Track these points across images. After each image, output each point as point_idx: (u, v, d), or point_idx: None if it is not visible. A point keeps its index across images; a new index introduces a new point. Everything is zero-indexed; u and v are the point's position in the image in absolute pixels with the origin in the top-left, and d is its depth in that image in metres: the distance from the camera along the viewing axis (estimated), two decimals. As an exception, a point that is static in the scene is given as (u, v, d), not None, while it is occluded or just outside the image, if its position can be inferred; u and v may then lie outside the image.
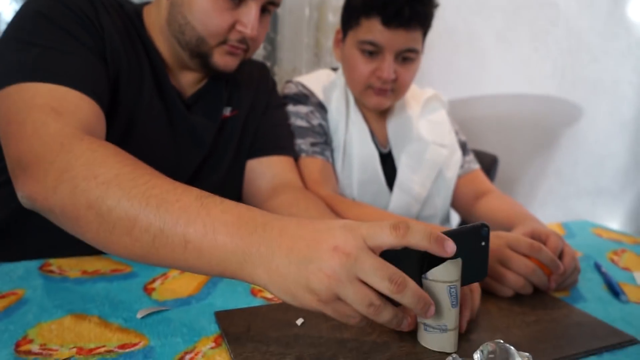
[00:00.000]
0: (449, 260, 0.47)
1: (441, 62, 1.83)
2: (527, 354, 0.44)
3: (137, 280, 0.62)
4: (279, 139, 0.96)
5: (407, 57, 0.97)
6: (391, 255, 0.46)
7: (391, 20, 0.91)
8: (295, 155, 0.97)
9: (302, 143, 0.97)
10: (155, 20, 0.83)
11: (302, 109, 1.01)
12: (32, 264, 0.65)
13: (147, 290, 0.59)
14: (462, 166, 1.12)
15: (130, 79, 0.77)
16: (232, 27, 0.78)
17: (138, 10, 0.84)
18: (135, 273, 0.64)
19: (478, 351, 0.45)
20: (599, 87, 2.15)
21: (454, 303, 0.48)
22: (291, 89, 1.05)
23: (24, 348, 0.46)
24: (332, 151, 1.03)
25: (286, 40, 1.48)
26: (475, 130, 1.96)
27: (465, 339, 0.52)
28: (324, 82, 1.07)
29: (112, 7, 0.78)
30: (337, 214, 0.86)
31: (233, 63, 0.82)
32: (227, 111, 0.91)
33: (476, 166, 1.14)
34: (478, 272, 0.53)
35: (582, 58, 2.07)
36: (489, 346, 0.44)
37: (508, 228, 0.85)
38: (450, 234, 0.48)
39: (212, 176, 0.89)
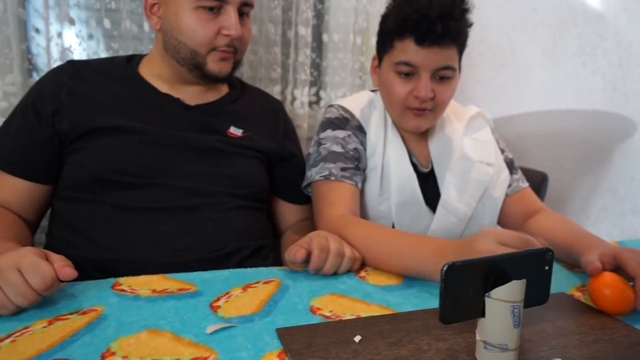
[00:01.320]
0: (513, 281, 0.48)
1: (485, 80, 1.83)
2: (588, 373, 0.45)
3: (202, 298, 0.66)
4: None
5: (444, 75, 0.97)
6: (457, 273, 0.48)
7: (424, 39, 0.92)
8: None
9: (332, 167, 0.98)
10: (153, 55, 1.00)
11: (340, 133, 1.03)
12: (104, 283, 0.70)
13: (213, 307, 0.63)
14: (510, 185, 1.10)
15: (114, 106, 0.93)
16: (217, 34, 0.92)
17: (133, 57, 1.03)
18: (200, 292, 0.68)
19: (537, 370, 0.46)
20: (653, 100, 2.07)
21: (516, 323, 0.49)
22: (332, 113, 1.07)
23: (108, 359, 0.50)
24: (365, 175, 1.04)
25: (331, 66, 1.52)
26: (523, 147, 1.93)
27: (523, 358, 0.53)
28: (363, 104, 1.10)
29: (88, 63, 0.99)
30: (341, 234, 0.84)
31: (226, 67, 0.96)
32: (237, 132, 1.00)
33: (525, 184, 1.12)
34: (540, 295, 0.54)
35: (633, 71, 2.01)
36: (548, 365, 0.45)
37: (566, 248, 0.84)
38: (515, 255, 0.50)
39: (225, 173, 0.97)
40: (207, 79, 0.97)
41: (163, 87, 0.98)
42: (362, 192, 1.03)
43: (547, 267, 0.53)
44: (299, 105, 1.48)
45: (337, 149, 1.01)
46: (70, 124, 0.90)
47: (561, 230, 0.92)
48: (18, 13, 1.17)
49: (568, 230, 0.91)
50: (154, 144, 0.91)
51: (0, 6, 1.14)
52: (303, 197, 1.08)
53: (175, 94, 0.98)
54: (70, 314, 0.60)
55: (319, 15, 1.51)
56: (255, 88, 1.17)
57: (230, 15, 0.91)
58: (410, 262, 0.76)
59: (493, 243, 0.64)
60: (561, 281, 0.79)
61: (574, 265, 0.86)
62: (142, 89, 0.97)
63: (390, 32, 0.98)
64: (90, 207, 0.88)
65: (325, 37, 1.52)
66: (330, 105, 1.11)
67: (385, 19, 1.01)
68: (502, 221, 1.12)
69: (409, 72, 0.96)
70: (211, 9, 0.90)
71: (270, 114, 1.10)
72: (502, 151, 1.15)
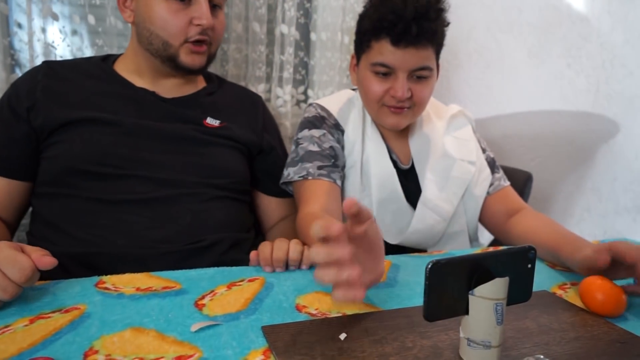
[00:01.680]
0: (496, 278, 0.49)
1: (472, 81, 1.85)
2: (568, 369, 0.46)
3: (187, 296, 0.66)
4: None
5: (421, 75, 0.97)
6: (441, 271, 0.48)
7: (400, 40, 0.92)
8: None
9: (310, 167, 0.98)
10: (128, 51, 1.01)
11: (316, 132, 1.04)
12: (87, 281, 0.69)
13: (198, 306, 0.63)
14: (492, 184, 1.11)
15: (89, 100, 0.93)
16: (189, 24, 0.93)
17: (109, 57, 1.04)
18: (184, 290, 0.68)
19: (519, 366, 0.46)
20: (635, 101, 2.11)
21: (499, 320, 0.50)
22: (310, 112, 1.08)
23: (91, 358, 0.50)
24: (344, 174, 1.04)
25: (319, 64, 1.52)
26: (508, 147, 1.95)
27: (505, 355, 0.53)
28: (342, 102, 1.10)
29: (63, 64, 0.99)
30: (305, 230, 0.84)
31: (199, 60, 0.96)
32: (214, 122, 1.00)
33: (506, 183, 1.13)
34: (523, 293, 0.54)
35: (617, 73, 2.05)
36: (529, 361, 0.46)
37: (552, 249, 0.85)
38: (498, 253, 0.50)
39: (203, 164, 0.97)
40: (181, 71, 0.98)
41: (138, 82, 0.99)
42: (342, 190, 1.03)
43: (529, 265, 0.54)
44: (282, 103, 1.48)
45: (314, 148, 1.01)
46: (44, 119, 0.90)
47: (546, 231, 0.93)
48: (1, 9, 1.15)
49: (553, 231, 0.92)
50: (128, 134, 0.91)
51: (-18, 2, 1.12)
52: (283, 191, 1.07)
53: (150, 87, 0.98)
54: (53, 312, 0.59)
55: (307, 14, 1.51)
56: (233, 83, 1.18)
57: (201, 5, 0.92)
58: None
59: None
60: (544, 279, 0.80)
61: (558, 264, 0.87)
62: (118, 84, 0.97)
63: (366, 32, 0.98)
64: (66, 202, 0.88)
65: (313, 36, 1.51)
66: (309, 105, 1.11)
67: (362, 19, 1.01)
68: (483, 220, 1.13)
69: (385, 72, 0.97)
70: None
71: (248, 107, 1.11)
72: (484, 150, 1.15)
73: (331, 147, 1.02)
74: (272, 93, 1.47)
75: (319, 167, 0.98)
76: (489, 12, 1.81)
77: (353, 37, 1.06)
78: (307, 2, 1.50)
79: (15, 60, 1.22)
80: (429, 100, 1.04)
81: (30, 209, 0.96)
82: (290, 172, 1.00)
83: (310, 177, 0.97)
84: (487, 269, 0.50)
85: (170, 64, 0.96)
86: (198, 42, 0.95)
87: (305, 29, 1.51)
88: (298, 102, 1.53)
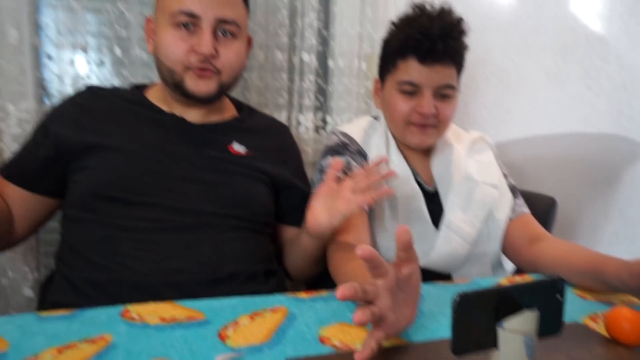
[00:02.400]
0: (526, 311, 0.48)
1: (490, 105, 1.84)
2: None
3: (210, 327, 0.66)
4: None
5: (445, 93, 1.01)
6: (468, 304, 0.47)
7: (427, 57, 0.97)
8: None
9: None
10: (157, 82, 1.03)
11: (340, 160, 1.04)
12: (113, 311, 0.70)
13: (222, 337, 0.63)
14: (513, 209, 1.10)
15: (119, 123, 0.95)
16: (189, 52, 0.92)
17: (139, 87, 1.07)
18: (208, 320, 0.68)
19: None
20: (659, 122, 2.07)
21: (530, 355, 0.48)
22: (332, 140, 1.09)
23: (117, 391, 0.50)
24: None
25: (337, 91, 1.54)
26: (530, 171, 1.93)
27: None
28: (364, 127, 1.11)
29: (101, 88, 1.02)
30: (334, 261, 0.87)
31: (206, 86, 0.94)
32: (240, 149, 1.00)
33: (527, 210, 1.12)
34: (554, 326, 0.53)
35: (637, 92, 2.02)
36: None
37: (593, 270, 0.83)
38: (527, 285, 0.49)
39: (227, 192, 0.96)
40: (192, 99, 0.97)
41: (168, 109, 1.00)
42: (369, 216, 1.03)
43: (559, 296, 0.53)
44: (304, 130, 1.50)
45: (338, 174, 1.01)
46: (76, 137, 0.92)
47: (580, 254, 0.90)
48: (32, 41, 1.19)
49: (587, 253, 0.89)
50: (153, 161, 0.92)
51: (15, 35, 1.16)
52: None
53: (179, 114, 0.99)
54: (80, 342, 0.60)
55: (325, 42, 1.53)
56: (264, 114, 1.17)
57: (203, 32, 0.91)
58: None
59: None
60: (574, 310, 0.78)
61: (596, 288, 0.84)
62: (148, 108, 0.99)
63: (393, 52, 1.02)
64: (88, 227, 0.89)
65: (330, 63, 1.53)
66: (332, 132, 1.12)
67: (387, 42, 1.05)
68: (505, 245, 1.11)
69: (412, 91, 1.00)
70: (185, 26, 0.91)
71: (276, 139, 1.10)
72: (505, 176, 1.15)
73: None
74: (292, 120, 1.49)
75: None
76: (506, 36, 1.81)
77: (370, 64, 1.08)
78: (325, 29, 1.52)
79: (45, 91, 1.26)
80: (451, 122, 1.06)
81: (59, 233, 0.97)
82: None
83: None
84: (515, 301, 0.49)
85: (179, 91, 0.96)
86: (202, 68, 0.94)
87: (322, 56, 1.53)
88: (317, 128, 1.55)
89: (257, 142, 1.04)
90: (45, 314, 0.67)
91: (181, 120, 0.99)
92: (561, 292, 0.53)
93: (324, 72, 1.55)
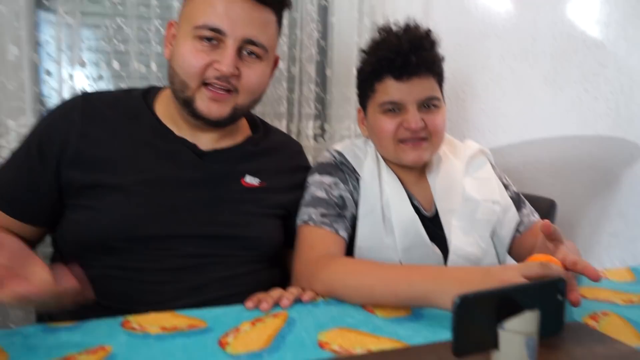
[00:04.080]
0: (526, 312, 0.48)
1: (489, 110, 1.85)
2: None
3: (211, 335, 0.66)
4: None
5: (430, 104, 0.99)
6: (469, 305, 0.47)
7: (402, 73, 0.95)
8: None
9: (312, 213, 0.96)
10: (168, 92, 0.93)
11: (327, 179, 1.01)
12: (114, 321, 0.70)
13: (222, 344, 0.63)
14: (522, 222, 1.08)
15: (127, 155, 0.87)
16: (208, 66, 0.84)
17: (150, 91, 0.97)
18: (210, 328, 0.68)
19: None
20: (657, 123, 2.08)
21: (531, 355, 0.48)
22: (324, 158, 1.06)
23: (117, 400, 0.50)
24: (348, 225, 0.99)
25: (335, 100, 1.55)
26: (529, 175, 1.93)
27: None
28: (357, 147, 1.09)
29: (101, 98, 0.92)
30: (319, 276, 0.84)
31: (218, 110, 0.87)
32: (254, 181, 0.95)
33: (536, 217, 1.10)
34: (554, 326, 0.53)
35: (636, 96, 2.03)
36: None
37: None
38: (527, 286, 0.49)
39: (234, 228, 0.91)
40: (201, 121, 0.89)
41: (179, 130, 0.92)
42: (364, 238, 1.00)
43: (560, 297, 0.53)
44: (305, 138, 1.51)
45: (321, 194, 0.98)
46: (76, 174, 0.85)
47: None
48: (32, 58, 1.21)
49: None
50: (163, 206, 0.86)
51: (15, 52, 1.18)
52: None
53: (190, 137, 0.92)
54: (79, 353, 0.60)
55: (322, 52, 1.55)
56: (277, 131, 1.12)
57: (227, 49, 0.84)
58: (403, 288, 0.75)
59: (518, 276, 0.62)
60: (574, 310, 0.77)
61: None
62: (158, 134, 0.91)
63: (368, 77, 1.01)
64: (90, 268, 0.80)
65: (328, 72, 1.55)
66: (326, 150, 1.09)
67: (361, 70, 1.04)
68: (518, 258, 1.08)
69: (394, 109, 0.98)
70: (209, 39, 0.84)
71: (291, 161, 1.05)
72: (507, 187, 1.12)
73: (340, 196, 0.99)
74: (292, 128, 1.50)
75: (322, 215, 0.95)
76: (503, 42, 1.82)
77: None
78: (322, 40, 1.54)
79: (44, 106, 1.28)
80: (444, 133, 1.03)
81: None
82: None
83: (311, 223, 0.94)
84: (516, 302, 0.49)
85: (187, 109, 0.88)
86: (217, 87, 0.86)
87: (320, 66, 1.55)
88: (315, 136, 1.56)
89: (271, 165, 0.99)
90: (51, 325, 0.67)
91: (193, 147, 0.91)
92: (562, 292, 0.53)
93: (322, 81, 1.57)
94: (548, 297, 0.52)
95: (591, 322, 0.72)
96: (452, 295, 0.58)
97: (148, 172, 0.87)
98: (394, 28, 1.00)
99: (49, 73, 1.27)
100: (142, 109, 0.93)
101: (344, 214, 0.99)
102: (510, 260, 1.15)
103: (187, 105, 0.87)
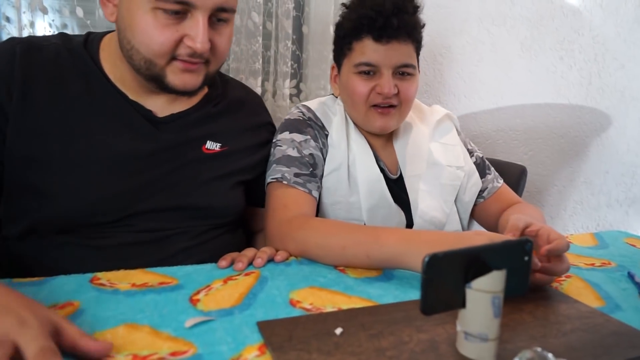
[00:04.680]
0: (494, 271, 0.49)
1: (466, 75, 1.85)
2: (565, 361, 0.46)
3: (182, 292, 0.65)
4: None
5: (405, 72, 0.98)
6: (438, 264, 0.48)
7: (382, 35, 0.93)
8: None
9: (286, 172, 0.94)
10: (113, 48, 0.83)
11: (297, 137, 1.00)
12: (83, 277, 0.68)
13: (193, 301, 0.62)
14: (486, 188, 1.11)
15: (77, 122, 0.79)
16: (178, 42, 0.75)
17: (91, 42, 0.85)
18: (181, 285, 0.67)
19: (517, 358, 0.46)
20: (627, 94, 2.12)
21: (496, 313, 0.49)
22: (293, 115, 1.04)
23: (84, 355, 0.49)
24: (321, 183, 1.00)
25: (311, 58, 1.52)
26: (501, 141, 1.96)
27: (502, 348, 0.53)
28: (328, 105, 1.08)
29: (42, 49, 0.80)
30: (294, 237, 0.83)
31: (192, 80, 0.80)
32: (215, 146, 0.90)
33: (500, 183, 1.12)
34: (519, 285, 0.54)
35: (608, 66, 2.06)
36: (527, 353, 0.46)
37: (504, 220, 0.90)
38: (495, 246, 0.50)
39: (191, 195, 0.87)
40: (170, 92, 0.82)
41: (132, 94, 0.84)
42: (329, 194, 1.00)
43: (526, 258, 0.54)
44: (281, 97, 1.47)
45: (293, 153, 0.97)
46: (19, 142, 0.76)
47: (515, 211, 0.96)
48: (-12, 1, 1.13)
49: (520, 210, 0.96)
50: (120, 187, 0.80)
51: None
52: None
53: (145, 102, 0.85)
54: (47, 308, 0.58)
55: (299, 7, 1.50)
56: (237, 84, 1.05)
57: (198, 23, 0.74)
58: (375, 248, 0.75)
59: (489, 242, 0.64)
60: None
61: None
62: (110, 96, 0.82)
63: (346, 35, 0.98)
64: (45, 245, 0.79)
65: (305, 29, 1.50)
66: (295, 107, 1.08)
67: (340, 25, 1.01)
68: (483, 223, 1.13)
69: (370, 72, 0.96)
70: (175, 12, 0.74)
71: (252, 118, 1.00)
72: (471, 153, 1.14)
73: (311, 154, 0.99)
74: (267, 87, 1.47)
75: (296, 175, 0.95)
76: (482, 5, 1.80)
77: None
78: (300, -6, 1.49)
79: (4, 54, 1.20)
80: (412, 102, 1.03)
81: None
82: (266, 175, 0.97)
83: (284, 182, 0.93)
84: (484, 262, 0.50)
85: (156, 84, 0.80)
86: (190, 62, 0.78)
87: (297, 22, 1.50)
88: (290, 96, 1.53)
89: (233, 125, 0.94)
90: (15, 280, 0.66)
91: (148, 115, 0.85)
92: (528, 253, 0.54)
93: (298, 38, 1.52)
94: (515, 258, 0.53)
95: (554, 284, 0.75)
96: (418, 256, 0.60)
97: (104, 148, 0.80)
98: None
99: (8, 19, 1.19)
100: (90, 67, 0.82)
101: (315, 172, 0.99)
102: (475, 227, 1.19)
103: (155, 80, 0.79)
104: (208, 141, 0.90)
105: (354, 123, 1.05)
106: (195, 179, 0.87)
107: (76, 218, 0.79)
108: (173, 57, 0.77)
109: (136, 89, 0.84)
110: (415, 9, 0.97)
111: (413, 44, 0.98)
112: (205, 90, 0.93)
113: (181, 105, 0.89)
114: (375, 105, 0.98)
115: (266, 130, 1.03)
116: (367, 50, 0.95)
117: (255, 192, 0.99)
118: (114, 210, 0.81)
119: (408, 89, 0.98)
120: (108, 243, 0.81)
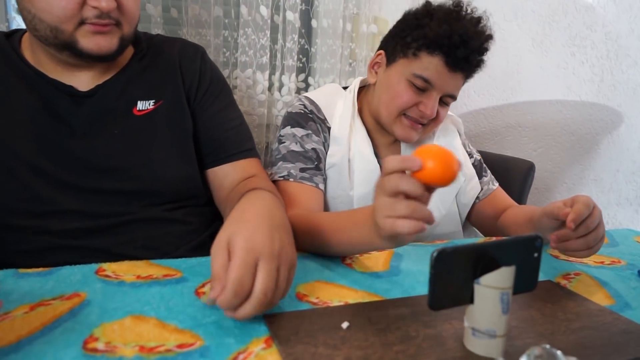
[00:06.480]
0: (503, 267, 0.48)
1: (475, 70, 1.83)
2: (574, 358, 0.45)
3: (188, 284, 0.65)
4: (242, 142, 0.92)
5: (447, 100, 1.00)
6: (447, 260, 0.47)
7: (456, 64, 0.93)
8: (257, 155, 0.95)
9: (291, 168, 0.95)
10: (32, 37, 0.80)
11: (299, 131, 1.00)
12: (89, 268, 0.68)
13: (198, 294, 0.62)
14: (482, 189, 1.12)
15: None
16: (82, 4, 0.73)
17: (14, 36, 0.84)
18: (185, 278, 0.67)
19: (525, 355, 0.45)
20: (639, 92, 2.09)
21: (504, 310, 0.49)
22: (294, 108, 1.04)
23: (91, 345, 0.49)
24: (325, 175, 1.00)
25: (320, 52, 1.51)
26: (511, 137, 1.94)
27: (510, 344, 0.53)
28: (332, 95, 1.07)
29: None
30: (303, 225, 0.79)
31: (106, 42, 0.76)
32: (147, 105, 0.84)
33: (495, 186, 1.14)
34: (529, 282, 0.54)
35: (621, 63, 2.03)
36: (535, 350, 0.45)
37: (526, 221, 0.88)
38: (505, 242, 0.50)
39: (143, 169, 0.83)
40: (87, 59, 0.78)
41: (52, 73, 0.80)
42: (329, 188, 1.01)
43: (536, 254, 0.53)
44: (287, 91, 1.47)
45: (296, 148, 0.98)
46: None
47: (523, 211, 0.96)
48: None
49: (528, 209, 0.95)
50: (49, 182, 0.78)
51: None
52: (237, 152, 0.92)
53: (66, 79, 0.81)
54: (54, 299, 0.59)
55: (308, 1, 1.49)
56: (165, 39, 0.95)
57: None
58: (352, 233, 0.71)
59: (381, 196, 0.60)
60: (548, 269, 0.80)
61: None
62: (29, 77, 0.80)
63: (420, 40, 0.94)
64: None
65: (314, 23, 1.49)
66: (297, 98, 1.07)
67: (419, 25, 0.95)
68: (476, 225, 1.15)
69: (422, 87, 0.96)
70: None
71: (185, 67, 0.91)
72: (470, 155, 1.15)
73: (313, 149, 0.99)
74: (274, 81, 1.46)
75: (302, 170, 0.95)
76: (493, 0, 1.78)
77: (355, 25, 1.04)
78: (309, -13, 1.48)
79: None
80: None
81: None
82: (272, 172, 0.97)
83: (291, 179, 0.93)
84: (493, 258, 0.50)
85: (70, 52, 0.76)
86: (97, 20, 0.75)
87: (306, 16, 1.49)
88: (299, 90, 1.52)
89: (165, 81, 0.87)
90: (21, 270, 0.66)
91: (69, 91, 0.80)
92: (538, 250, 0.53)
93: (307, 32, 1.51)
94: (524, 254, 0.53)
95: (563, 282, 0.74)
96: (367, 233, 0.63)
97: (29, 132, 0.77)
98: (467, 10, 0.95)
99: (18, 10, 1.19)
100: (7, 50, 0.81)
101: (320, 166, 0.99)
102: (470, 228, 1.21)
103: (68, 48, 0.76)
104: (138, 102, 0.84)
105: (362, 117, 1.05)
106: (131, 154, 0.81)
107: (8, 218, 0.76)
108: (82, 22, 0.74)
109: (55, 67, 0.81)
110: (486, 51, 0.97)
111: (466, 79, 1.00)
112: (131, 49, 0.89)
113: (108, 75, 0.84)
114: (407, 115, 0.99)
115: (206, 79, 0.93)
116: (433, 68, 0.94)
117: (210, 151, 0.91)
118: (46, 195, 0.77)
119: (442, 113, 1.01)
120: (60, 229, 0.77)
